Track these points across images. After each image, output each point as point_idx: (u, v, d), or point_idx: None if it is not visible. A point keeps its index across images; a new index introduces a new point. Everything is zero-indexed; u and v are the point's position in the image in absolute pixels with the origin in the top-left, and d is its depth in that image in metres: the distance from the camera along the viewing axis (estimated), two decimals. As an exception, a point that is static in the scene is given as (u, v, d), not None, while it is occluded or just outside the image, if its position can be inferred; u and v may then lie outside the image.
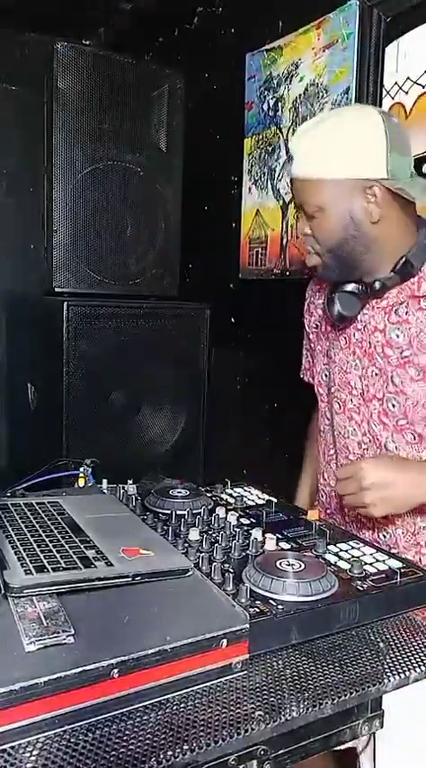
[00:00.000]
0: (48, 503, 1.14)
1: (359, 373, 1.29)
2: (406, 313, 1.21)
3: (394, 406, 1.24)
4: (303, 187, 1.20)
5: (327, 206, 1.18)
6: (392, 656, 0.84)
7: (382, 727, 0.85)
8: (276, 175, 2.13)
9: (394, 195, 1.17)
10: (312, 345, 1.49)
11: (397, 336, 1.22)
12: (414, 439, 1.23)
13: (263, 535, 1.01)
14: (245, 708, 0.72)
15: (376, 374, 1.26)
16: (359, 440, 1.31)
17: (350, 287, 1.24)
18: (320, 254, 1.23)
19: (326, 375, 1.40)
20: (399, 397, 1.23)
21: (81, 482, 1.42)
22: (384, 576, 0.92)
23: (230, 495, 1.28)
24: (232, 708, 0.72)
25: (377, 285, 1.21)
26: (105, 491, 1.29)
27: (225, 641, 0.76)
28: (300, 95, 2.00)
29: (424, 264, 1.21)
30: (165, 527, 1.05)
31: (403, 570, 0.93)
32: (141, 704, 0.71)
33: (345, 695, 0.76)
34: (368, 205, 1.17)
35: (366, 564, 0.95)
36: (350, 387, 1.31)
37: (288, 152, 2.06)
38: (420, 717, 0.95)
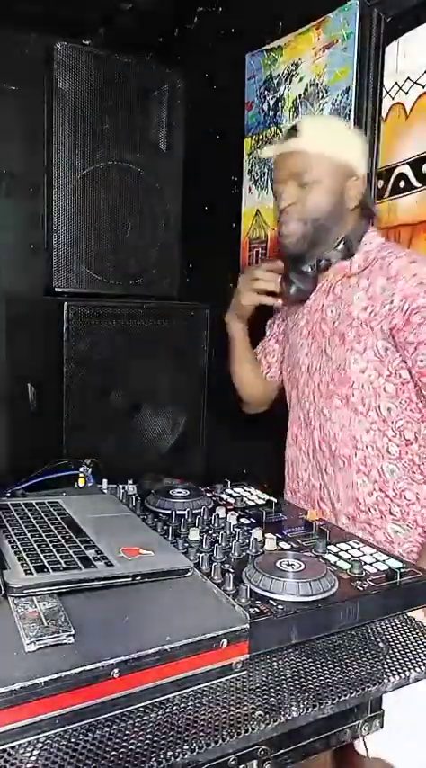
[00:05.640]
0: (49, 503, 1.14)
1: (306, 351, 1.49)
2: (341, 291, 1.41)
3: (326, 373, 1.42)
4: (307, 158, 1.37)
5: (325, 179, 1.36)
6: (392, 656, 0.84)
7: (382, 727, 0.85)
8: (276, 175, 2.13)
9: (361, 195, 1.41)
10: (274, 345, 1.68)
11: (331, 312, 1.42)
12: (341, 402, 1.39)
13: (263, 535, 1.01)
14: (245, 708, 0.72)
15: (317, 349, 1.45)
16: (307, 409, 1.48)
17: (302, 267, 1.43)
18: (304, 222, 1.38)
19: (287, 359, 1.59)
20: (328, 363, 1.41)
21: (81, 482, 1.42)
22: (384, 576, 0.92)
23: (230, 495, 1.28)
24: (232, 708, 0.72)
25: (323, 263, 1.41)
26: (105, 491, 1.29)
27: (225, 641, 0.76)
28: (300, 95, 2.00)
29: (358, 248, 1.40)
30: (165, 527, 1.04)
31: (403, 570, 0.93)
32: (141, 704, 0.71)
33: (345, 695, 0.76)
34: (351, 191, 1.38)
35: (366, 564, 0.95)
36: (300, 364, 1.50)
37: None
38: (420, 715, 0.95)
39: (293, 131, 1.39)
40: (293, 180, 1.37)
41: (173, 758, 0.64)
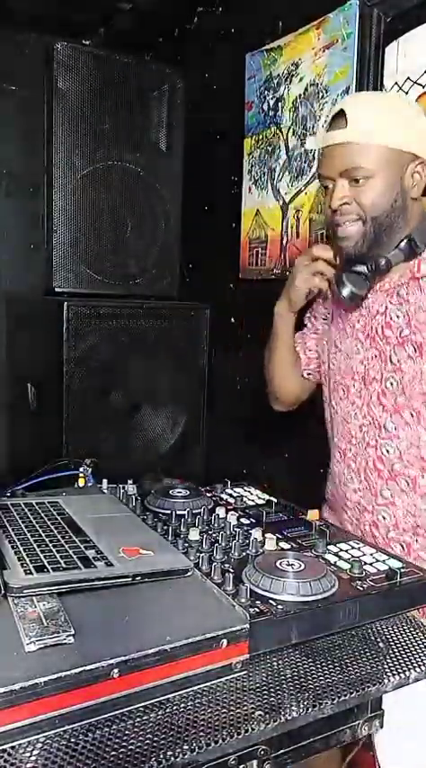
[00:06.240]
0: (49, 503, 1.14)
1: (361, 357, 1.33)
2: (407, 294, 1.25)
3: (392, 384, 1.27)
4: (358, 151, 1.19)
5: (380, 172, 1.19)
6: (392, 656, 0.84)
7: (382, 727, 0.85)
8: (276, 175, 2.13)
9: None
10: (315, 341, 1.52)
11: (397, 317, 1.26)
12: (412, 417, 1.25)
13: (263, 535, 1.01)
14: (245, 708, 0.72)
15: (376, 356, 1.30)
16: (360, 423, 1.34)
17: (358, 267, 1.27)
18: (363, 221, 1.22)
19: (334, 364, 1.42)
20: (397, 374, 1.26)
21: (81, 482, 1.42)
22: (384, 576, 0.92)
23: (230, 495, 1.28)
24: (232, 708, 0.72)
25: (382, 262, 1.25)
26: (105, 491, 1.29)
27: (225, 641, 0.76)
28: (300, 95, 2.00)
29: (423, 249, 1.25)
30: (165, 527, 1.05)
31: (403, 570, 0.93)
32: (141, 704, 0.71)
33: (345, 695, 0.76)
34: (413, 178, 1.21)
35: (366, 564, 0.95)
36: (353, 372, 1.35)
37: (288, 151, 2.06)
38: (420, 715, 0.95)
39: (339, 119, 1.21)
40: (344, 176, 1.21)
41: (172, 758, 0.64)
